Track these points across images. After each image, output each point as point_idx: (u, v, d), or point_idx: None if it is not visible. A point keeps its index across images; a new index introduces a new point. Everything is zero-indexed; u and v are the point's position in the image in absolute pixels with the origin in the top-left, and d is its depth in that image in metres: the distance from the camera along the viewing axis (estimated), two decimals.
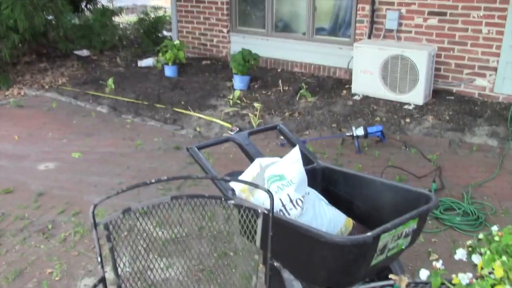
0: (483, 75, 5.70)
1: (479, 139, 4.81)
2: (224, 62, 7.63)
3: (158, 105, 6.02)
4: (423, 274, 1.28)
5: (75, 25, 8.35)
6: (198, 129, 5.42)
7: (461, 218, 3.49)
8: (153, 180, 1.88)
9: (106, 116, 5.90)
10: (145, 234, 1.98)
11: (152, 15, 9.15)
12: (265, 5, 7.27)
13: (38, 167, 4.57)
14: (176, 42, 7.18)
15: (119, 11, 9.14)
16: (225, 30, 7.67)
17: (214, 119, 5.55)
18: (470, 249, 1.26)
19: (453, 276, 1.22)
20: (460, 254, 1.26)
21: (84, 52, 8.41)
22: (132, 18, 10.35)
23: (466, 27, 5.67)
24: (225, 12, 7.55)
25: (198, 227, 2.72)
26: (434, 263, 1.27)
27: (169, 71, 7.07)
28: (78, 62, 8.05)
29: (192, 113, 5.73)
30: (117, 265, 1.84)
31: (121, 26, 9.50)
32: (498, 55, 5.55)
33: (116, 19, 9.19)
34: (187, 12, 7.98)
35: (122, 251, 1.91)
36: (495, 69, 5.60)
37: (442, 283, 1.27)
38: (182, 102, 6.05)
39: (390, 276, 1.51)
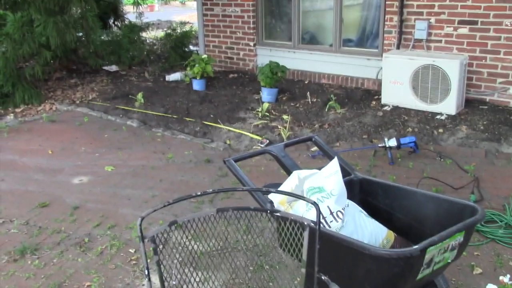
0: None
1: None
2: (251, 75, 7.66)
3: (187, 119, 6.06)
4: None
5: (104, 42, 8.52)
6: (228, 142, 5.43)
7: (503, 231, 3.39)
8: (199, 193, 1.88)
9: (136, 130, 5.96)
10: (190, 247, 1.97)
11: (179, 30, 9.27)
12: (291, 17, 7.30)
13: (72, 180, 4.63)
14: (204, 56, 7.25)
15: (146, 27, 9.29)
16: (251, 43, 7.71)
17: (244, 132, 5.56)
18: None
19: None
20: None
21: (113, 68, 8.56)
22: (158, 33, 10.50)
23: (498, 35, 5.58)
24: (251, 25, 7.60)
25: (241, 240, 2.71)
26: (501, 277, 1.23)
27: (197, 84, 7.13)
28: (108, 77, 8.20)
29: (221, 126, 5.75)
30: (164, 278, 1.84)
31: (148, 41, 9.65)
32: None
33: (143, 34, 9.34)
34: (214, 26, 8.07)
35: (168, 264, 1.90)
36: None
37: None
38: (211, 115, 6.08)
39: None
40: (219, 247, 2.65)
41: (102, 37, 8.72)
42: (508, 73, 5.60)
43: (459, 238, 2.27)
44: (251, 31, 7.64)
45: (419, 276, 2.21)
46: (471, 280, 2.93)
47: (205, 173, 4.67)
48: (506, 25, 5.49)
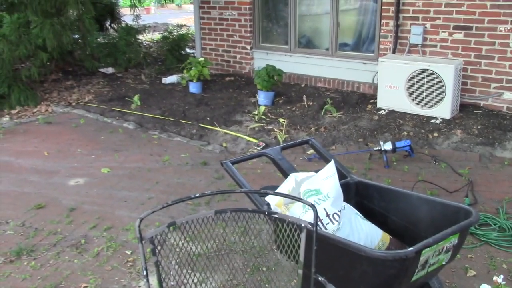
0: (511, 89, 5.64)
1: (510, 153, 4.74)
2: (247, 78, 7.69)
3: (184, 121, 6.08)
4: None
5: (100, 44, 8.53)
6: (224, 144, 5.45)
7: (497, 234, 3.42)
8: (197, 194, 1.89)
9: (133, 132, 5.97)
10: (188, 248, 1.99)
11: (176, 33, 9.29)
12: (287, 21, 7.34)
13: (68, 182, 4.63)
14: (201, 59, 7.28)
15: (143, 29, 9.30)
16: (248, 47, 7.74)
17: (240, 135, 5.58)
18: None
19: None
20: None
21: (109, 70, 8.57)
22: (154, 36, 10.52)
23: (493, 40, 5.63)
24: (248, 29, 7.64)
25: (238, 241, 2.72)
26: (495, 278, 1.26)
27: (194, 87, 7.15)
28: (104, 79, 8.20)
29: (218, 128, 5.77)
30: (162, 279, 1.85)
31: (145, 44, 9.67)
32: None
33: (140, 37, 9.36)
34: (211, 29, 8.09)
35: (166, 265, 1.92)
36: None
37: None
38: (208, 118, 6.10)
39: None
40: (216, 248, 2.66)
41: (99, 39, 8.73)
42: (502, 78, 5.66)
43: (454, 240, 2.30)
44: (248, 34, 7.67)
45: (414, 277, 2.24)
46: (465, 282, 2.96)
47: (201, 175, 4.69)
48: (500, 31, 5.55)
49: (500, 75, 5.67)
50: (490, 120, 5.41)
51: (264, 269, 3.09)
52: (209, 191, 1.94)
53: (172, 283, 1.92)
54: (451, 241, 2.28)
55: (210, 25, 8.08)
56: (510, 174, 4.42)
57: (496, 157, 4.71)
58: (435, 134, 5.20)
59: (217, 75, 8.00)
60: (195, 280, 2.12)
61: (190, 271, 2.09)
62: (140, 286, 3.05)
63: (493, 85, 5.74)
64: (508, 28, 5.49)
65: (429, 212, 2.61)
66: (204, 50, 8.29)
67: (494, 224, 3.54)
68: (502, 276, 1.24)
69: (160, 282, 1.85)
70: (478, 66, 5.78)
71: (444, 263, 2.36)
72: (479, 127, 5.27)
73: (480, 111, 5.71)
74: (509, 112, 5.66)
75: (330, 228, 2.45)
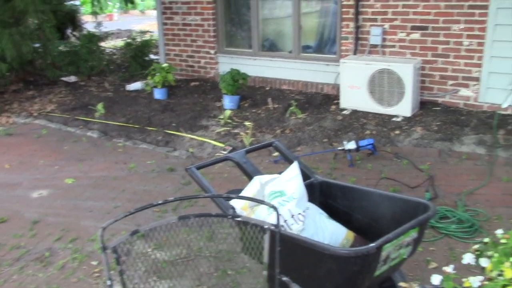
0: (467, 86, 5.84)
1: (468, 148, 4.91)
2: (212, 83, 7.70)
3: (149, 128, 6.04)
4: (436, 279, 1.32)
5: (62, 52, 8.38)
6: (190, 150, 5.45)
7: (456, 226, 3.54)
8: (160, 201, 1.90)
9: (97, 140, 5.90)
10: (153, 256, 1.99)
11: (139, 39, 9.22)
12: (251, 25, 7.39)
13: (31, 194, 4.54)
14: (165, 65, 7.25)
15: (106, 36, 9.19)
16: (212, 51, 7.75)
17: (206, 140, 5.59)
18: (477, 253, 1.30)
19: (464, 280, 1.27)
20: (468, 258, 1.31)
21: (72, 78, 8.43)
22: (118, 43, 10.41)
23: (448, 40, 5.82)
24: (211, 34, 7.65)
25: (199, 247, 2.73)
26: (444, 268, 1.31)
27: (159, 93, 7.12)
28: (66, 88, 8.06)
29: (184, 134, 5.76)
30: None
31: (107, 51, 9.55)
32: (480, 65, 5.70)
33: (103, 44, 9.24)
34: (174, 35, 8.07)
35: (131, 274, 1.92)
36: (478, 80, 5.75)
37: (454, 287, 1.31)
38: (173, 124, 6.08)
39: (400, 284, 1.55)
40: (182, 255, 2.67)
41: (60, 48, 8.58)
42: (458, 75, 5.86)
43: (413, 234, 2.37)
44: (212, 39, 7.69)
45: (377, 272, 2.30)
46: (427, 274, 3.04)
47: (168, 182, 4.67)
48: (454, 30, 5.74)
49: (456, 73, 5.86)
50: (448, 117, 5.59)
51: (231, 272, 3.11)
52: (172, 198, 1.95)
53: None
54: (411, 235, 2.35)
55: (173, 31, 8.06)
56: (468, 168, 4.58)
57: (454, 152, 4.87)
58: (397, 132, 5.34)
59: (182, 80, 7.98)
60: (166, 287, 2.13)
61: (156, 279, 2.09)
62: None
63: (450, 82, 5.93)
64: (461, 27, 5.69)
65: (391, 208, 2.68)
66: (168, 56, 8.25)
67: (453, 217, 3.66)
68: (452, 266, 1.30)
69: None
70: (435, 64, 5.97)
71: (405, 257, 2.43)
72: (438, 123, 5.43)
73: (439, 108, 5.89)
74: (465, 108, 5.86)
75: (295, 229, 2.49)
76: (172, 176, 4.80)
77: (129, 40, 9.25)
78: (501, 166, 4.55)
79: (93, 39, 8.69)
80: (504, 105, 5.55)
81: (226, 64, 7.52)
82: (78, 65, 8.34)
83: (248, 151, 3.11)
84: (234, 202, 2.58)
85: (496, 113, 5.50)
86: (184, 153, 5.39)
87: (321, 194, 2.95)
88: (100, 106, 6.60)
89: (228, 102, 6.48)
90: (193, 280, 2.81)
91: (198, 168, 2.84)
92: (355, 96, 5.96)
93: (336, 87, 6.55)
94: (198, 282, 2.95)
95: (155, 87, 7.11)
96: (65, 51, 8.55)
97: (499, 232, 1.32)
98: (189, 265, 2.63)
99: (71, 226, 3.93)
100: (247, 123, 5.79)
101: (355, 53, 6.42)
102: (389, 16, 6.12)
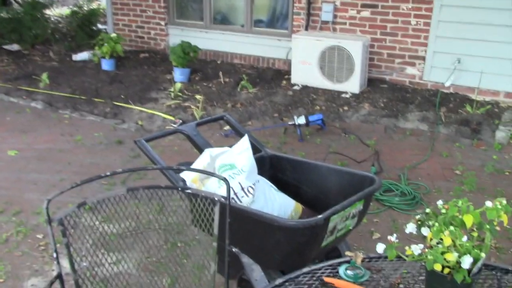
0: (413, 64, 6.03)
1: (412, 124, 5.09)
2: (162, 54, 7.55)
3: (96, 100, 5.87)
4: (380, 248, 1.39)
5: (3, 19, 7.92)
6: (140, 122, 5.35)
7: (399, 199, 3.71)
8: (108, 173, 1.87)
9: (41, 112, 5.68)
10: (101, 229, 1.97)
11: (86, 8, 8.84)
12: None
13: None
14: (113, 35, 7.01)
15: (50, 3, 8.76)
16: (162, 22, 7.57)
17: (156, 112, 5.50)
18: (419, 222, 1.38)
19: (406, 248, 1.34)
20: (410, 228, 1.38)
21: (14, 47, 8.01)
22: (64, 11, 9.96)
23: (396, 18, 5.96)
24: (162, 4, 7.45)
25: (148, 220, 2.72)
26: (389, 237, 1.38)
27: (107, 64, 6.90)
28: (8, 57, 7.66)
29: (133, 106, 5.65)
30: (74, 260, 1.82)
31: (53, 19, 9.12)
32: (426, 45, 5.88)
33: (47, 12, 8.81)
34: (123, 4, 7.80)
35: (78, 247, 1.89)
36: (423, 58, 5.94)
37: (397, 256, 1.38)
38: (122, 96, 5.94)
39: (346, 253, 1.62)
40: (131, 228, 2.65)
41: (1, 14, 8.10)
42: (405, 54, 6.02)
43: (359, 206, 2.47)
44: (162, 10, 7.50)
45: (324, 243, 2.38)
46: (371, 244, 3.19)
47: (116, 154, 4.59)
48: (403, 9, 5.88)
49: (403, 51, 6.03)
50: (395, 94, 5.76)
51: (181, 244, 3.13)
52: (121, 169, 1.92)
53: (84, 264, 1.90)
54: (356, 207, 2.44)
55: (122, 0, 7.79)
56: (411, 143, 4.77)
57: (399, 128, 5.05)
58: (345, 108, 5.46)
59: (131, 51, 7.77)
60: (110, 260, 2.11)
61: (104, 252, 2.07)
62: (53, 270, 2.97)
63: (397, 60, 6.10)
64: (410, 7, 5.83)
65: (338, 182, 2.77)
66: (117, 26, 7.99)
67: (397, 190, 3.82)
68: (395, 235, 1.37)
69: (72, 263, 1.82)
70: (383, 42, 6.10)
71: (351, 228, 2.53)
72: (384, 100, 5.59)
73: (386, 86, 6.06)
74: (411, 86, 6.06)
75: (245, 201, 2.52)
76: (120, 148, 4.72)
77: (75, 9, 8.85)
78: (442, 142, 4.76)
79: (37, 6, 8.24)
80: (447, 84, 5.78)
81: (177, 36, 7.38)
82: (21, 33, 7.91)
83: (198, 124, 3.09)
84: (185, 175, 2.58)
85: (439, 91, 5.73)
86: (133, 125, 5.29)
87: (271, 168, 2.99)
88: (44, 76, 6.33)
89: (179, 75, 6.38)
90: (142, 252, 2.81)
91: (148, 140, 2.80)
92: (306, 72, 6.02)
93: (288, 62, 6.58)
94: (147, 254, 2.95)
95: (103, 57, 6.89)
96: (6, 18, 8.07)
97: (439, 202, 1.40)
98: (138, 237, 2.62)
99: (14, 199, 3.80)
100: (198, 97, 5.74)
101: (306, 29, 6.46)
102: None
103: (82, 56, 7.51)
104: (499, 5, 5.35)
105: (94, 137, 4.96)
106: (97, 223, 1.99)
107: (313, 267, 1.70)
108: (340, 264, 1.65)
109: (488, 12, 5.41)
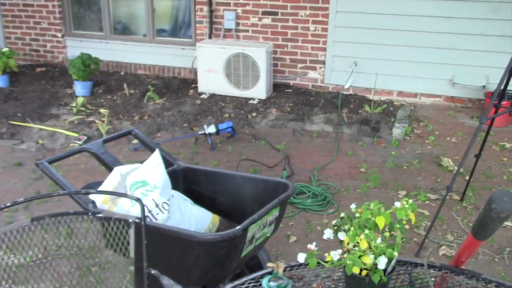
0: (314, 68, 6.28)
1: (317, 127, 5.29)
2: (61, 68, 7.16)
3: None
4: (301, 257, 1.42)
5: None
6: (40, 141, 5.03)
7: (311, 200, 3.83)
8: (8, 204, 1.73)
9: None
10: (4, 262, 1.81)
11: None
12: (100, 7, 7.00)
13: None
14: (5, 49, 6.53)
15: None
16: (59, 34, 7.19)
17: (58, 129, 5.20)
18: (335, 228, 1.43)
19: (326, 254, 1.38)
20: (328, 233, 1.43)
21: None
22: None
23: (296, 25, 6.17)
24: (57, 15, 7.08)
25: (57, 246, 2.55)
26: (308, 245, 1.41)
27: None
28: None
29: (31, 125, 5.29)
30: None
31: None
32: (325, 49, 6.16)
33: None
34: (14, 16, 7.30)
35: None
36: (323, 63, 6.21)
37: (318, 263, 1.42)
38: (19, 114, 5.54)
39: (268, 264, 1.63)
40: (39, 256, 2.47)
41: None
42: (306, 59, 6.26)
43: (275, 213, 2.51)
44: (58, 21, 7.12)
45: (244, 253, 2.39)
46: (288, 248, 3.26)
47: (16, 178, 4.27)
48: (301, 16, 6.11)
49: (304, 56, 6.26)
50: (299, 98, 5.96)
51: (95, 269, 2.98)
52: (22, 198, 1.78)
53: None
54: (273, 214, 2.48)
55: (13, 12, 7.29)
56: (318, 145, 4.95)
57: (306, 130, 5.22)
58: (254, 114, 5.54)
59: (26, 66, 7.29)
60: None
61: (12, 284, 1.91)
62: None
63: (299, 65, 6.32)
64: (308, 13, 6.07)
65: (253, 190, 2.79)
66: (9, 40, 7.46)
67: (308, 192, 3.95)
68: (314, 243, 1.41)
69: None
70: (285, 48, 6.29)
71: (269, 235, 2.56)
72: (290, 104, 5.76)
73: (291, 90, 6.25)
74: (314, 89, 6.30)
75: (160, 218, 2.46)
76: (20, 171, 4.40)
77: None
78: (346, 142, 5.00)
79: None
80: (346, 86, 6.10)
81: (75, 48, 7.05)
82: None
83: (105, 141, 2.96)
84: (94, 196, 2.46)
85: (340, 94, 6.02)
86: (33, 145, 4.96)
87: (185, 180, 2.95)
88: None
89: (80, 88, 6.10)
90: (53, 282, 2.63)
91: (51, 162, 2.63)
92: (212, 80, 6.04)
93: (194, 71, 6.55)
94: (58, 284, 2.77)
95: None
96: None
97: (353, 206, 1.46)
98: (46, 267, 2.45)
99: None
100: (102, 110, 5.52)
101: (210, 37, 6.48)
102: (241, 1, 6.27)
103: None
104: (389, 11, 5.75)
105: None
106: (1, 253, 1.84)
107: (236, 282, 1.69)
108: (262, 276, 1.66)
109: (380, 17, 5.79)
